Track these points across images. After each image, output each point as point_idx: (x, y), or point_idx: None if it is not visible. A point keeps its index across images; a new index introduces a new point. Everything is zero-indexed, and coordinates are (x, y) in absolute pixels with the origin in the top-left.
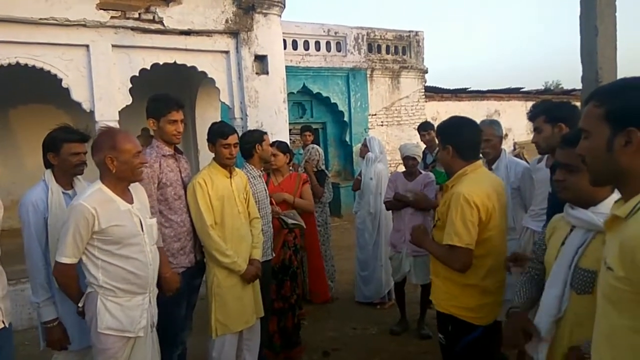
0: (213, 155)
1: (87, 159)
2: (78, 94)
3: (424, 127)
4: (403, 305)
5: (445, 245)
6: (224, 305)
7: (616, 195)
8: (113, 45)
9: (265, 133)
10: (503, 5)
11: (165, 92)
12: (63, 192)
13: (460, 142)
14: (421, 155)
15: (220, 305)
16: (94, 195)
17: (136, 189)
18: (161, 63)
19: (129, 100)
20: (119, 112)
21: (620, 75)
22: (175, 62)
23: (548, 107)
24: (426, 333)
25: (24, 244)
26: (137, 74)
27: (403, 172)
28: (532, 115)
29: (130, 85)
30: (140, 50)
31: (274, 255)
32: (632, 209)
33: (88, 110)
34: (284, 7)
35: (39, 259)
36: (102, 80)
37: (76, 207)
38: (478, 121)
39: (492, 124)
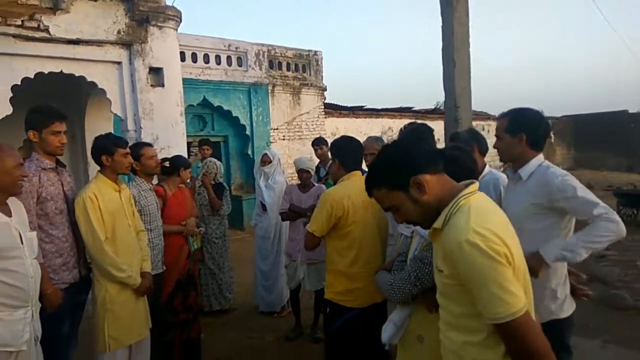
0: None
1: None
2: None
3: (317, 142)
4: (298, 311)
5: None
6: (116, 320)
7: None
8: None
9: (148, 145)
10: (396, 29)
11: (46, 103)
12: None
13: (344, 155)
14: (314, 169)
15: (113, 321)
16: None
17: (14, 202)
18: (46, 72)
19: (9, 110)
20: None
21: (475, 105)
22: (62, 72)
23: (408, 132)
24: (319, 337)
25: None
26: (19, 83)
27: (297, 185)
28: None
29: (11, 95)
30: (23, 59)
31: (164, 268)
32: (444, 220)
33: None
34: (180, 21)
35: None
36: None
37: None
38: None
39: (377, 140)
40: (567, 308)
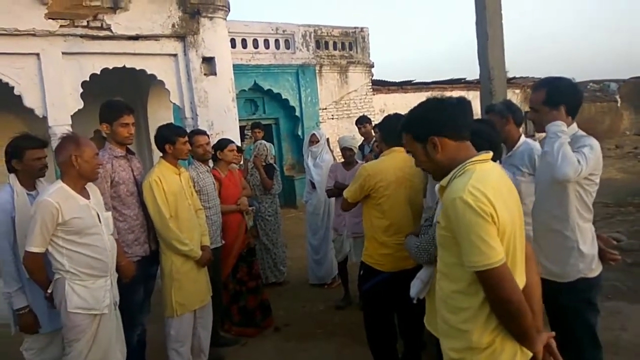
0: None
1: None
2: (30, 101)
3: (360, 121)
4: (346, 282)
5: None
6: (182, 288)
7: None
8: (63, 53)
9: (201, 133)
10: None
11: (116, 98)
12: (27, 194)
13: (385, 130)
14: (357, 147)
15: (179, 288)
16: (56, 192)
17: (91, 187)
18: (111, 67)
19: (80, 104)
20: (71, 116)
21: (535, 70)
22: (124, 66)
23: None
24: None
25: None
26: (88, 79)
27: (342, 162)
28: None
29: (82, 90)
30: (90, 56)
31: (223, 242)
32: (449, 179)
33: (41, 116)
34: (229, 10)
35: (9, 254)
36: (54, 87)
37: (42, 203)
38: None
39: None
40: (596, 268)
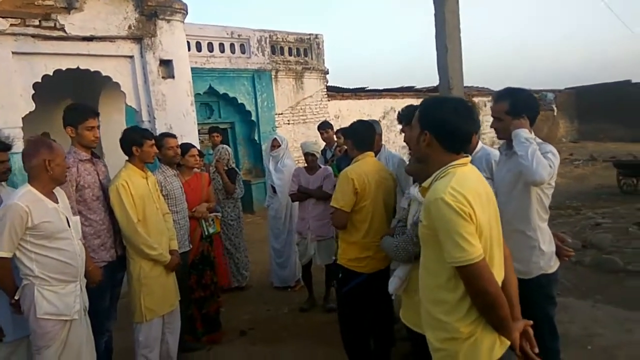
0: (126, 158)
1: None
2: None
3: (322, 126)
4: (310, 285)
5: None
6: (150, 293)
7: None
8: (13, 52)
9: (170, 136)
10: (395, 11)
11: (80, 102)
12: None
13: (356, 137)
14: (319, 152)
15: (148, 294)
16: (25, 195)
17: (59, 192)
18: (64, 69)
19: (32, 106)
20: (22, 118)
21: (473, 79)
22: (78, 68)
23: (404, 114)
24: (330, 307)
25: None
26: (40, 80)
27: (304, 167)
28: (398, 120)
29: (33, 92)
30: (42, 57)
31: (190, 247)
32: (430, 182)
33: None
34: (187, 13)
35: None
36: (3, 88)
37: (11, 206)
38: (376, 118)
39: (373, 123)
40: (553, 264)
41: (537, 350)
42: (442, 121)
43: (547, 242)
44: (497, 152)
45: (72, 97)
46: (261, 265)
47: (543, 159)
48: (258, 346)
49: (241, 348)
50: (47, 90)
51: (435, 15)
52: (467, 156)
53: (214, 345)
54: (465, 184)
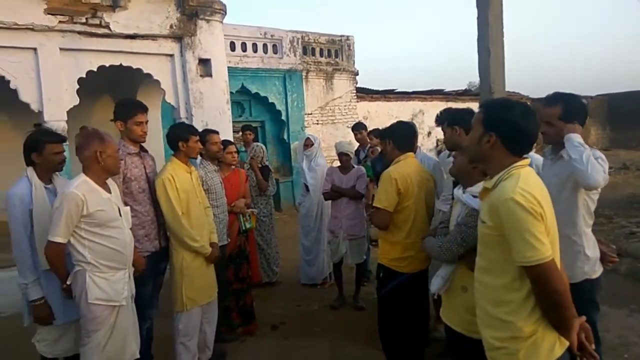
0: (173, 153)
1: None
2: (26, 95)
3: (356, 128)
4: (340, 283)
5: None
6: (192, 283)
7: (482, 183)
8: (60, 49)
9: (214, 132)
10: (427, 12)
11: (130, 97)
12: (45, 187)
13: (398, 138)
14: (353, 152)
15: (189, 284)
16: (81, 185)
17: (111, 182)
18: (107, 65)
19: (76, 100)
20: (67, 112)
21: (512, 86)
22: (121, 65)
23: (449, 115)
24: (360, 305)
25: (11, 234)
26: (84, 76)
27: (338, 167)
28: (437, 122)
29: (78, 87)
30: (87, 53)
31: (229, 240)
32: (495, 183)
33: (36, 111)
34: (226, 13)
35: (26, 246)
36: (50, 82)
37: (68, 194)
38: (405, 119)
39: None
40: (597, 270)
41: (594, 346)
42: (512, 123)
43: (591, 247)
44: (539, 157)
45: (109, 93)
46: (290, 262)
47: (597, 163)
48: (290, 340)
49: (274, 341)
50: (86, 85)
51: (479, 18)
52: (527, 158)
53: (247, 337)
54: (532, 184)
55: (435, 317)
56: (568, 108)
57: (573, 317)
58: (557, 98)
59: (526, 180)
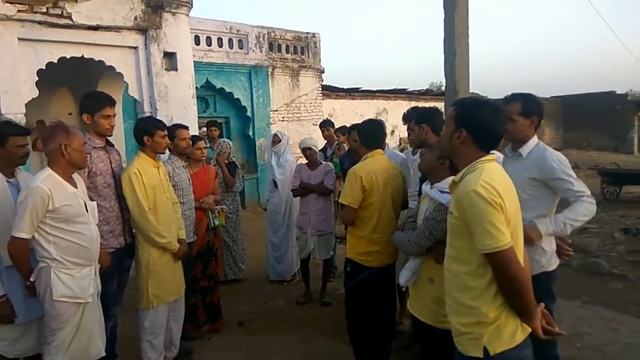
0: (140, 147)
1: None
2: None
3: (324, 125)
4: (308, 279)
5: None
6: (158, 280)
7: (451, 178)
8: (19, 39)
9: (183, 127)
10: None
11: (96, 90)
12: (7, 181)
13: (366, 135)
14: (317, 146)
15: (155, 281)
16: (47, 179)
17: (77, 177)
18: (68, 57)
19: (35, 93)
20: (25, 104)
21: (472, 86)
22: (83, 56)
23: (417, 113)
24: (327, 301)
25: None
26: (44, 67)
27: (306, 163)
28: (405, 120)
29: (37, 79)
30: (47, 44)
31: (195, 237)
32: (461, 176)
33: None
34: (192, 6)
35: None
36: (8, 73)
37: (34, 189)
38: (369, 117)
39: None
40: (554, 262)
41: (557, 329)
42: (481, 121)
43: (548, 242)
44: (500, 155)
45: (68, 86)
46: (256, 259)
47: (583, 211)
48: (258, 336)
49: (240, 337)
50: (44, 77)
51: (445, 20)
52: (493, 154)
53: (214, 335)
54: (494, 177)
55: (399, 311)
56: (527, 104)
57: (532, 302)
58: (517, 96)
59: (489, 174)
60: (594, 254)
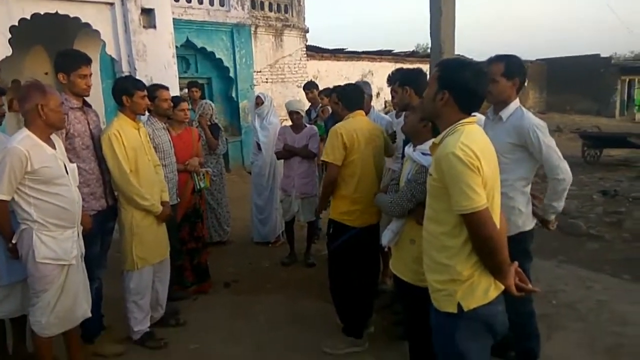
0: (119, 108)
1: None
2: None
3: (307, 87)
4: (292, 241)
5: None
6: (142, 242)
7: (432, 140)
8: None
9: (163, 88)
10: None
11: (72, 48)
12: None
13: (347, 98)
14: (304, 110)
15: (139, 243)
16: (25, 140)
17: (55, 138)
18: (42, 13)
19: (9, 51)
20: None
21: (457, 48)
22: (57, 12)
23: (401, 75)
24: (311, 262)
25: None
26: (17, 24)
27: (290, 126)
28: (389, 82)
29: (10, 36)
30: (20, 0)
31: (178, 200)
32: (441, 138)
33: None
34: None
35: None
36: None
37: (11, 150)
38: (354, 80)
39: (364, 84)
40: (530, 223)
41: (530, 286)
42: (464, 82)
43: (525, 203)
44: (481, 117)
45: (43, 44)
46: (240, 221)
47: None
48: (242, 296)
49: (226, 298)
50: (17, 36)
51: None
52: (474, 116)
53: (200, 295)
54: (473, 139)
55: (382, 271)
56: (509, 65)
57: (506, 260)
58: (500, 57)
59: (468, 136)
60: (573, 215)
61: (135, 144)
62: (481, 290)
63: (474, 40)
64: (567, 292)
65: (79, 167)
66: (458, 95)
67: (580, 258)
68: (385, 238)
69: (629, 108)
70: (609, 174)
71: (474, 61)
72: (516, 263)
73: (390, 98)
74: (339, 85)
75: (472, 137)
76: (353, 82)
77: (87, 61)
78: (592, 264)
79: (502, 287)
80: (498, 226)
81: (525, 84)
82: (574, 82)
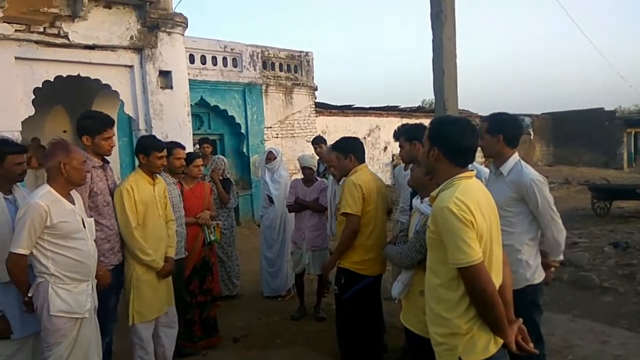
0: (138, 163)
1: None
2: None
3: (316, 141)
4: (302, 294)
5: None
6: (141, 296)
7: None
8: (16, 58)
9: (180, 146)
10: (383, 32)
11: (93, 109)
12: (4, 197)
13: (357, 152)
14: (316, 165)
15: (138, 297)
16: (45, 195)
17: (74, 193)
18: (65, 75)
19: (31, 111)
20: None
21: (465, 103)
22: (79, 75)
23: (406, 130)
24: (321, 316)
25: None
26: (41, 86)
27: (302, 179)
28: (396, 137)
29: (33, 97)
30: (44, 63)
31: (186, 254)
32: (438, 192)
33: None
34: (187, 26)
35: None
36: (4, 92)
37: (33, 205)
38: (361, 135)
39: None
40: (539, 275)
41: (532, 345)
42: (450, 138)
43: (533, 256)
44: (486, 170)
45: (63, 103)
46: (250, 274)
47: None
48: (252, 352)
49: (236, 353)
50: (38, 95)
51: (433, 41)
52: (472, 170)
53: (209, 350)
54: (468, 194)
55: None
56: (491, 123)
57: (503, 316)
58: (487, 116)
59: (463, 191)
60: (585, 268)
61: (147, 198)
62: (482, 345)
63: (481, 97)
64: (583, 347)
65: (100, 224)
66: (446, 150)
67: (595, 312)
68: (396, 290)
69: (636, 160)
70: (619, 226)
71: (462, 117)
72: (520, 320)
73: (397, 151)
74: (338, 141)
75: (467, 191)
76: (360, 136)
77: (112, 124)
78: (607, 318)
79: (502, 341)
80: (500, 280)
81: (531, 135)
82: (579, 135)
